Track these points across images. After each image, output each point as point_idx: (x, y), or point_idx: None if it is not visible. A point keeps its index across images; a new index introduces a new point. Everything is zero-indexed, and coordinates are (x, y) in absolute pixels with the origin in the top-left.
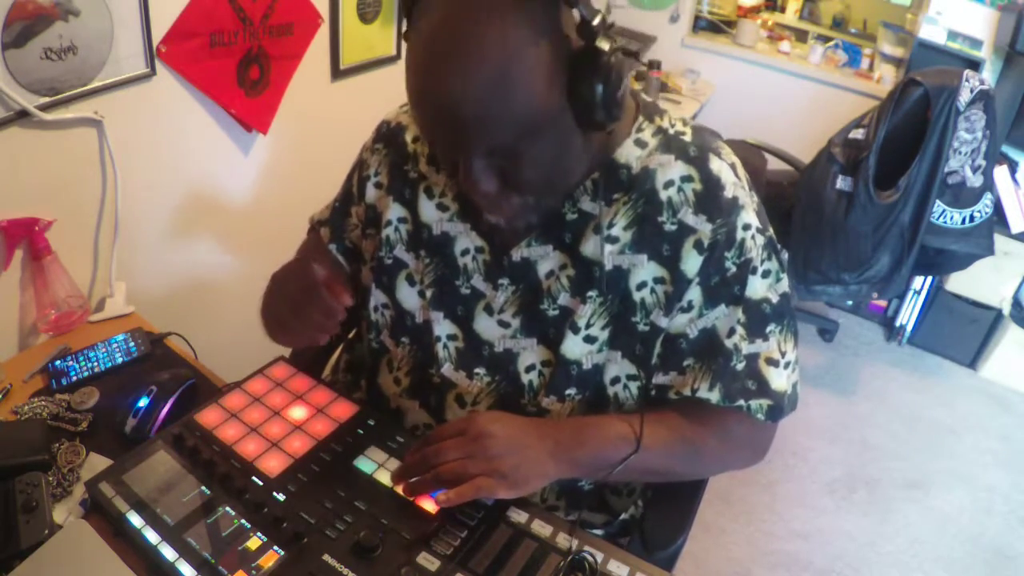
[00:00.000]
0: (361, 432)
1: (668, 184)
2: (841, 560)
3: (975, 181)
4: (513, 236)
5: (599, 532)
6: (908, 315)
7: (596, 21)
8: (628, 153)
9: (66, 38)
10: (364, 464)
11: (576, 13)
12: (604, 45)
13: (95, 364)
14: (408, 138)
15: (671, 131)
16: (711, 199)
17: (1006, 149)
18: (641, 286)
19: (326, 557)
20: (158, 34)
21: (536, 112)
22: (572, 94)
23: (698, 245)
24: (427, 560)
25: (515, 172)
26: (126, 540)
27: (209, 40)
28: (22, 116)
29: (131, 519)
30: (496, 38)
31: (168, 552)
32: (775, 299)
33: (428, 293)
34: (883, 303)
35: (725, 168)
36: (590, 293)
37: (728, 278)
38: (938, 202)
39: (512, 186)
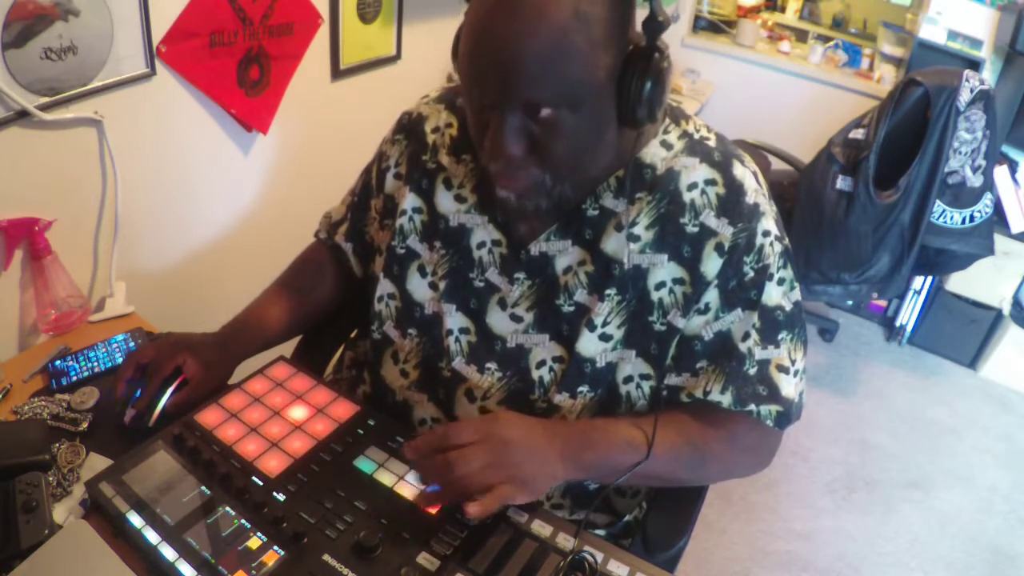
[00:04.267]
0: (361, 432)
1: (692, 186)
2: (841, 560)
3: (975, 181)
4: (531, 230)
5: (602, 533)
6: (908, 315)
7: (661, 19)
8: (653, 154)
9: (66, 38)
10: (364, 464)
11: (648, 6)
12: (663, 47)
13: (95, 364)
14: (428, 128)
15: (696, 135)
16: (733, 203)
17: (1006, 149)
18: (660, 286)
19: (326, 557)
20: (158, 34)
21: (585, 84)
22: (620, 85)
23: (719, 248)
24: (427, 560)
25: (545, 141)
26: (126, 540)
27: (209, 40)
28: (22, 116)
29: (131, 519)
30: (570, 3)
31: (168, 552)
32: (788, 307)
33: (441, 285)
34: (883, 303)
35: (748, 175)
36: (608, 291)
37: (746, 282)
38: (938, 202)
39: (537, 156)
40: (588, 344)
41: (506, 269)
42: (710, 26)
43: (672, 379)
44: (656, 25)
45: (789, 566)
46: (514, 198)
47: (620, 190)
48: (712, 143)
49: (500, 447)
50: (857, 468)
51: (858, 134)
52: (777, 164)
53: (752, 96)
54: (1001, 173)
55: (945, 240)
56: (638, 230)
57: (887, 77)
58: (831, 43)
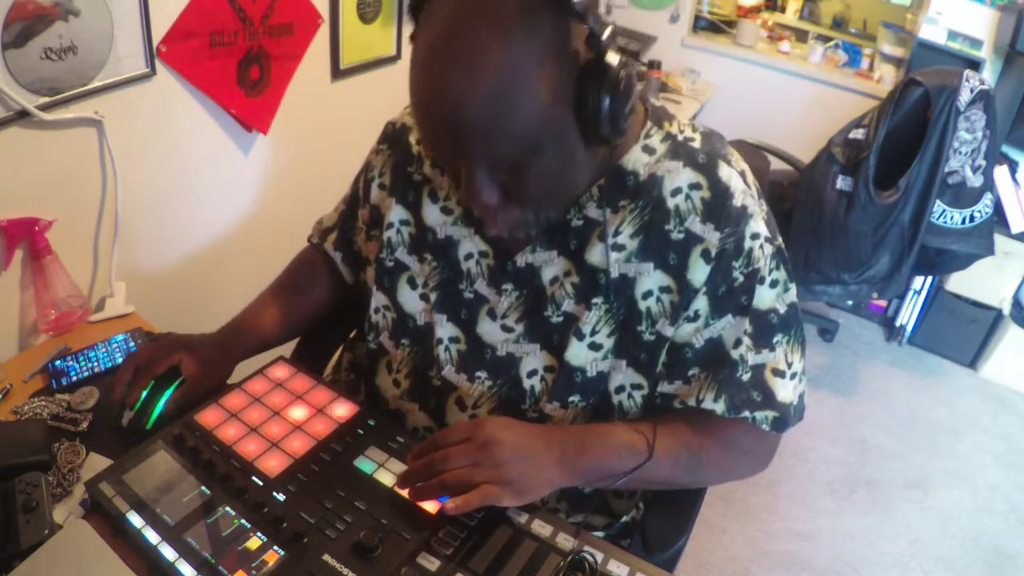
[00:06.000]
0: (361, 432)
1: (676, 192)
2: (841, 560)
3: (975, 181)
4: (516, 242)
5: (600, 534)
6: (908, 315)
7: (605, 35)
8: (636, 160)
9: (66, 38)
10: (364, 464)
11: (585, 27)
12: (613, 59)
13: (95, 364)
14: (412, 139)
15: (680, 137)
16: (719, 208)
17: (1006, 149)
18: (647, 295)
19: (326, 557)
20: (158, 34)
21: (539, 126)
22: (578, 108)
23: (705, 254)
24: (427, 560)
25: (517, 185)
26: (126, 540)
27: (209, 40)
28: (22, 116)
29: (131, 519)
30: (499, 51)
31: (168, 552)
32: (783, 309)
33: (432, 296)
34: (883, 303)
35: (735, 176)
36: (595, 300)
37: (735, 288)
38: (938, 202)
39: (513, 198)
40: (578, 353)
41: (494, 280)
42: (710, 26)
43: (665, 387)
44: (599, 44)
45: (789, 566)
46: (505, 233)
47: (603, 199)
48: (697, 144)
49: (487, 447)
50: (857, 468)
51: (858, 134)
52: (777, 164)
53: (752, 96)
54: (1001, 173)
55: (945, 240)
56: (623, 239)
57: (887, 77)
58: (831, 43)
